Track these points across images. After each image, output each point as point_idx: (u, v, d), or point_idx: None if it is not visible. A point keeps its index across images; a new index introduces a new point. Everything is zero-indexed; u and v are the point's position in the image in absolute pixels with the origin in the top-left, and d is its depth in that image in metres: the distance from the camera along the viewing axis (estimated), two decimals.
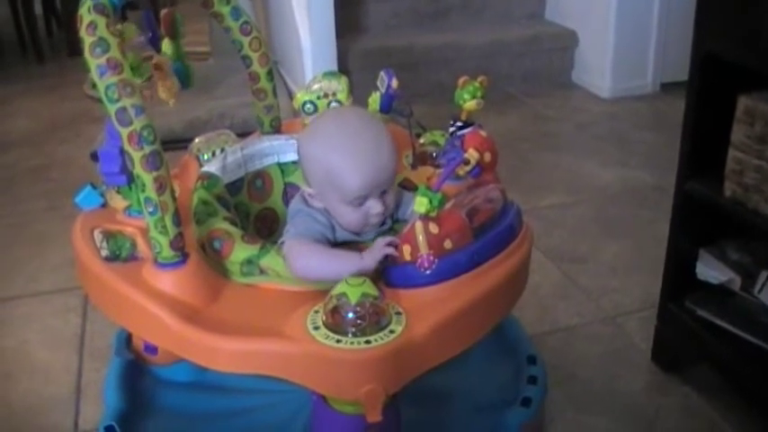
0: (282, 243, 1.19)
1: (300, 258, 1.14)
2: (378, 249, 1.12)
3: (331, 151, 1.20)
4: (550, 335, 1.88)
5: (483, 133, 1.32)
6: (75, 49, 4.34)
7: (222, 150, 1.45)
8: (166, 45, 1.49)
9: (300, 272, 1.14)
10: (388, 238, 1.14)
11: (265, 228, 1.45)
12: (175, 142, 2.21)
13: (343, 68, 3.26)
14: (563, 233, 2.38)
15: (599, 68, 3.63)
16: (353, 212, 1.21)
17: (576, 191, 2.68)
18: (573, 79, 3.81)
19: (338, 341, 1.02)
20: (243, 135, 1.55)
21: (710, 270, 1.61)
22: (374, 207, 1.20)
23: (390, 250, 1.12)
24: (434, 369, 1.09)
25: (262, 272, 1.17)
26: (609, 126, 3.30)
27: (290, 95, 3.28)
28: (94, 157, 2.78)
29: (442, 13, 3.86)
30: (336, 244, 1.23)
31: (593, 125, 3.31)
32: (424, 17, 3.84)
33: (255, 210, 1.44)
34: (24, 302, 2.12)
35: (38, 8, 4.68)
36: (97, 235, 1.27)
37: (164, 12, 1.47)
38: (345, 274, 1.09)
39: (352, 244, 1.23)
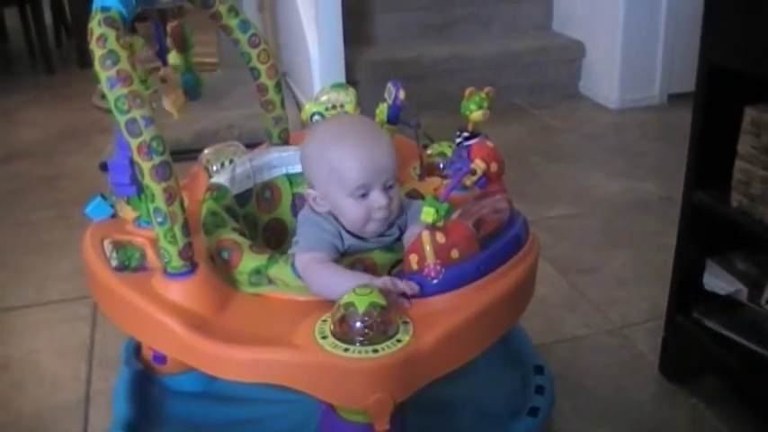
0: (293, 254, 1.20)
1: (319, 279, 1.16)
2: (396, 283, 1.11)
3: (330, 147, 1.23)
4: (557, 345, 1.88)
5: (489, 144, 1.33)
6: (85, 60, 4.37)
7: (231, 162, 1.46)
8: (175, 57, 1.50)
9: (317, 291, 1.16)
10: (411, 283, 1.11)
11: (274, 238, 1.46)
12: (183, 153, 2.22)
13: (351, 80, 3.27)
14: (570, 244, 2.38)
15: (606, 79, 3.64)
16: (357, 206, 1.22)
17: (583, 202, 2.68)
18: (580, 90, 3.82)
19: (346, 350, 1.03)
20: (251, 146, 1.56)
21: (718, 281, 1.61)
22: (378, 200, 1.21)
23: (405, 290, 1.10)
24: (442, 378, 1.09)
25: (270, 282, 1.18)
26: (616, 137, 3.31)
27: (299, 107, 3.29)
28: (104, 167, 2.79)
29: (449, 24, 3.87)
30: (347, 254, 1.24)
31: (601, 136, 3.32)
32: (432, 29, 3.86)
33: (264, 220, 1.45)
34: (33, 311, 2.13)
35: (48, 18, 4.71)
36: (107, 245, 1.28)
37: (172, 24, 1.48)
38: None
39: (359, 254, 1.24)
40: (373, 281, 1.11)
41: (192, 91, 1.59)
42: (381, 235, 1.26)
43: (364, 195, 1.22)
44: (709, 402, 1.68)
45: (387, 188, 1.23)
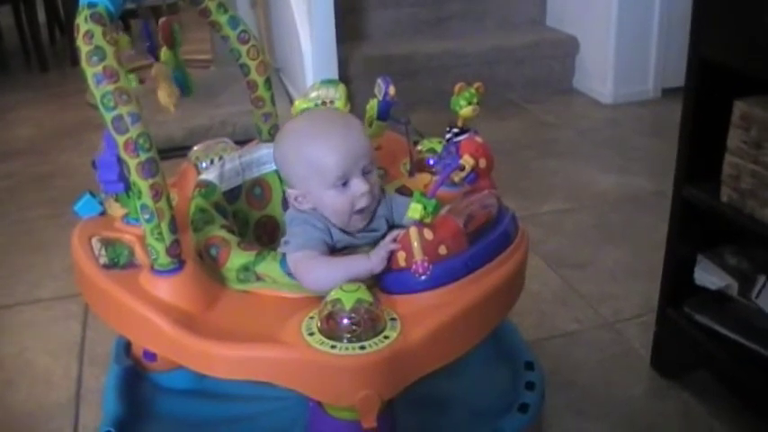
0: (284, 253, 1.19)
1: (311, 272, 1.15)
2: (383, 248, 1.14)
3: (303, 142, 1.23)
4: (549, 341, 1.89)
5: (479, 139, 1.33)
6: (78, 57, 4.36)
7: (220, 158, 1.46)
8: (165, 54, 1.50)
9: (313, 285, 1.15)
10: (393, 234, 1.15)
11: (266, 235, 1.45)
12: (176, 150, 2.22)
13: (345, 76, 3.27)
14: (563, 239, 2.38)
15: (600, 74, 3.64)
16: (339, 196, 1.21)
17: (576, 197, 2.68)
18: (574, 85, 3.82)
19: (333, 347, 1.02)
20: (243, 143, 1.56)
21: (708, 275, 1.61)
22: (359, 186, 1.20)
23: (395, 246, 1.13)
24: (431, 375, 1.09)
25: (258, 278, 1.18)
26: (610, 132, 3.31)
27: (292, 103, 3.29)
28: (95, 165, 2.79)
29: (442, 20, 3.87)
30: (336, 249, 1.24)
31: (594, 131, 3.32)
32: (425, 24, 3.86)
33: (255, 217, 1.45)
34: (25, 309, 2.13)
35: (41, 16, 4.70)
36: (95, 243, 1.28)
37: (161, 21, 1.48)
38: (357, 277, 1.11)
39: (350, 249, 1.23)
40: (370, 260, 1.13)
41: (182, 88, 1.58)
42: (369, 230, 1.26)
43: (345, 185, 1.21)
44: (701, 397, 1.68)
45: (365, 173, 1.22)
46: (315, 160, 1.21)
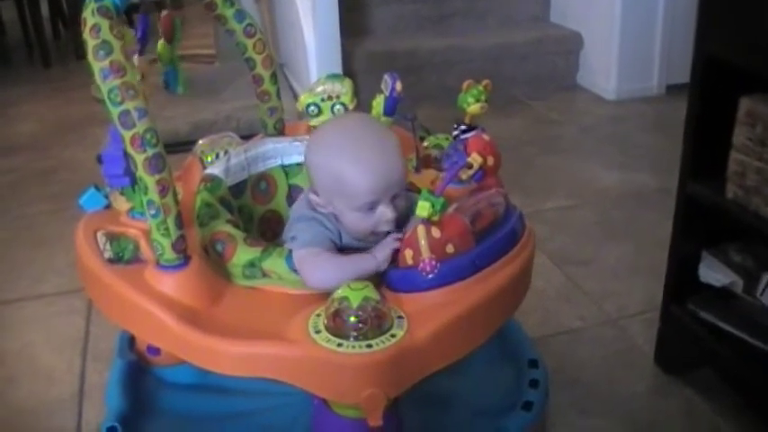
0: (290, 250, 1.18)
1: (317, 271, 1.15)
2: (388, 245, 1.14)
3: (336, 158, 1.18)
4: (553, 338, 1.88)
5: (486, 137, 1.32)
6: (81, 51, 4.35)
7: (226, 153, 1.45)
8: (162, 47, 1.49)
9: (318, 284, 1.14)
10: (395, 234, 1.16)
11: (270, 230, 1.45)
12: (181, 144, 2.21)
13: (348, 71, 3.27)
14: (566, 236, 2.38)
15: (604, 71, 3.63)
16: (364, 219, 1.19)
17: (580, 193, 2.67)
18: (578, 82, 3.81)
19: (339, 345, 1.02)
20: (247, 137, 1.55)
21: (713, 272, 1.60)
22: (386, 213, 1.18)
23: (398, 244, 1.13)
24: (436, 373, 1.09)
25: (264, 275, 1.17)
26: (613, 129, 3.30)
27: (296, 98, 3.29)
28: (100, 159, 2.78)
29: (446, 16, 3.87)
30: (342, 248, 1.23)
31: (598, 128, 3.31)
32: (429, 20, 3.85)
33: (259, 212, 1.44)
34: (28, 305, 2.12)
35: (44, 10, 4.69)
36: (100, 237, 1.28)
37: (163, 14, 1.47)
38: (362, 275, 1.11)
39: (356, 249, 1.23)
40: (375, 258, 1.14)
41: (172, 84, 1.57)
42: None
43: (371, 209, 1.18)
44: (705, 394, 1.68)
45: (394, 198, 1.19)
46: (346, 183, 1.17)
